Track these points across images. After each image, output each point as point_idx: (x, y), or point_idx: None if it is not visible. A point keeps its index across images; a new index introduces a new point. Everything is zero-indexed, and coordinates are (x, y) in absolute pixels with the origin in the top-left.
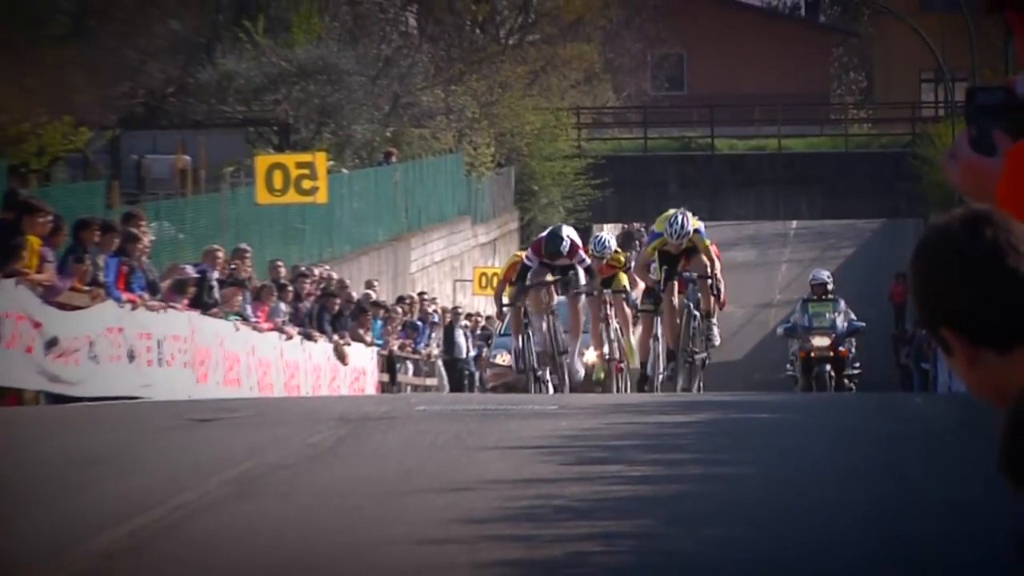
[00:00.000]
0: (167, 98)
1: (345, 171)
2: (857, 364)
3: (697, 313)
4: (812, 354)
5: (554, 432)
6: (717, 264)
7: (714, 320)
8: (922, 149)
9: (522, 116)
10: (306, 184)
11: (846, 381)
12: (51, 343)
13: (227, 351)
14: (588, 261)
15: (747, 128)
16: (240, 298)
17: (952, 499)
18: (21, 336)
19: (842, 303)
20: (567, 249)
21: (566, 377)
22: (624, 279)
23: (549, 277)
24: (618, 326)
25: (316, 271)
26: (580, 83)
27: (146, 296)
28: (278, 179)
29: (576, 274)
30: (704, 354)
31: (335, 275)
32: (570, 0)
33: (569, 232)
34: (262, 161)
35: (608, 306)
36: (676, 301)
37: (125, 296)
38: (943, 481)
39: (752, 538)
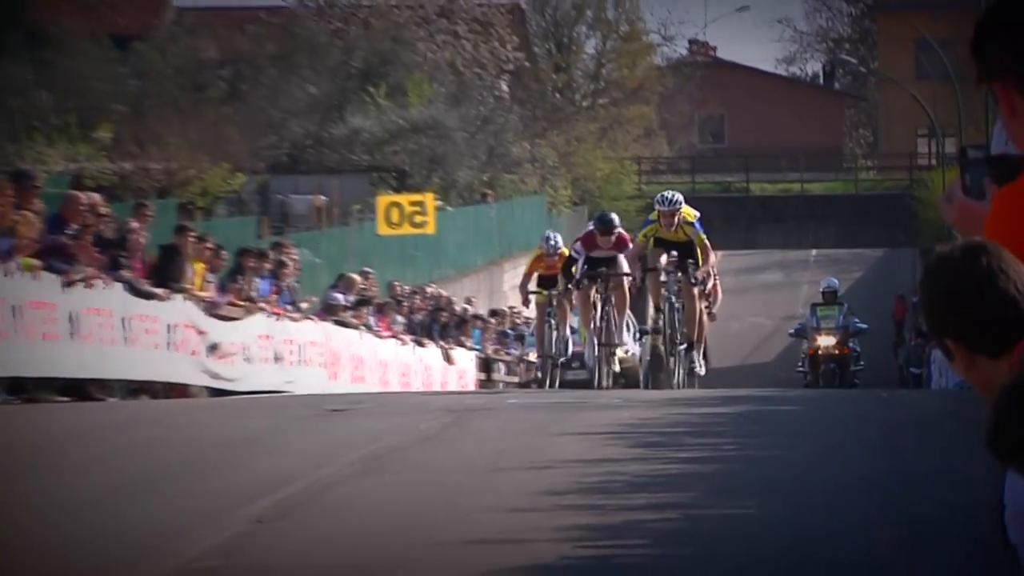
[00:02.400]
0: (307, 149)
1: (450, 208)
2: (861, 363)
3: (679, 305)
4: (819, 352)
5: (618, 421)
6: (711, 260)
7: (698, 354)
8: (918, 192)
9: (593, 164)
10: (418, 219)
11: (851, 378)
12: (213, 348)
13: (354, 354)
14: (630, 249)
15: (775, 174)
16: (365, 311)
17: (942, 475)
18: (188, 342)
19: (847, 307)
20: (618, 230)
21: (613, 366)
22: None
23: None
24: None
25: (427, 290)
26: (640, 137)
27: (290, 309)
28: (395, 215)
29: (619, 264)
30: (684, 345)
31: (442, 293)
32: (632, 71)
33: (617, 220)
34: (382, 200)
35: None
36: (661, 270)
37: (273, 310)
38: (935, 461)
39: (778, 507)
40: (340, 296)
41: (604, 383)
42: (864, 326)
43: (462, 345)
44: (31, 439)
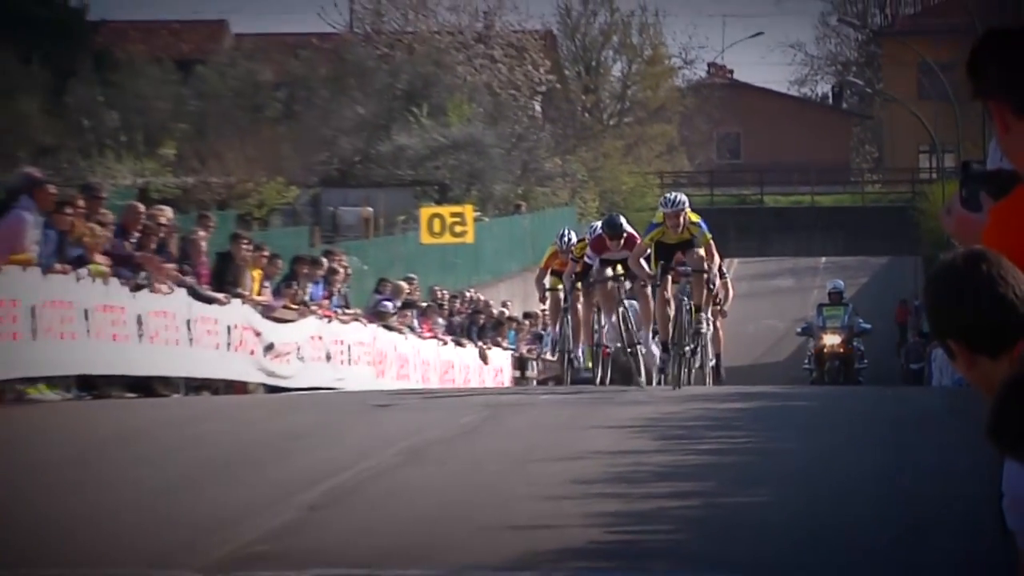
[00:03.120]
0: (355, 164)
1: (487, 219)
2: (864, 361)
3: (691, 306)
4: (825, 350)
5: (642, 415)
6: (716, 260)
7: (707, 315)
8: (920, 204)
9: (619, 178)
10: (458, 229)
11: (855, 376)
12: (268, 347)
13: (399, 354)
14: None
15: (788, 187)
16: (409, 314)
17: (944, 467)
18: (246, 342)
19: (851, 307)
20: (626, 232)
21: (642, 366)
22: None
23: (609, 271)
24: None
25: (466, 294)
26: (663, 154)
27: (339, 312)
28: (437, 225)
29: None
30: (692, 347)
31: (480, 297)
32: (655, 92)
33: (624, 222)
34: (425, 212)
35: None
36: (669, 294)
37: (324, 313)
38: (937, 453)
39: (791, 496)
40: (389, 304)
41: (602, 380)
42: (868, 326)
43: (498, 345)
44: (101, 433)
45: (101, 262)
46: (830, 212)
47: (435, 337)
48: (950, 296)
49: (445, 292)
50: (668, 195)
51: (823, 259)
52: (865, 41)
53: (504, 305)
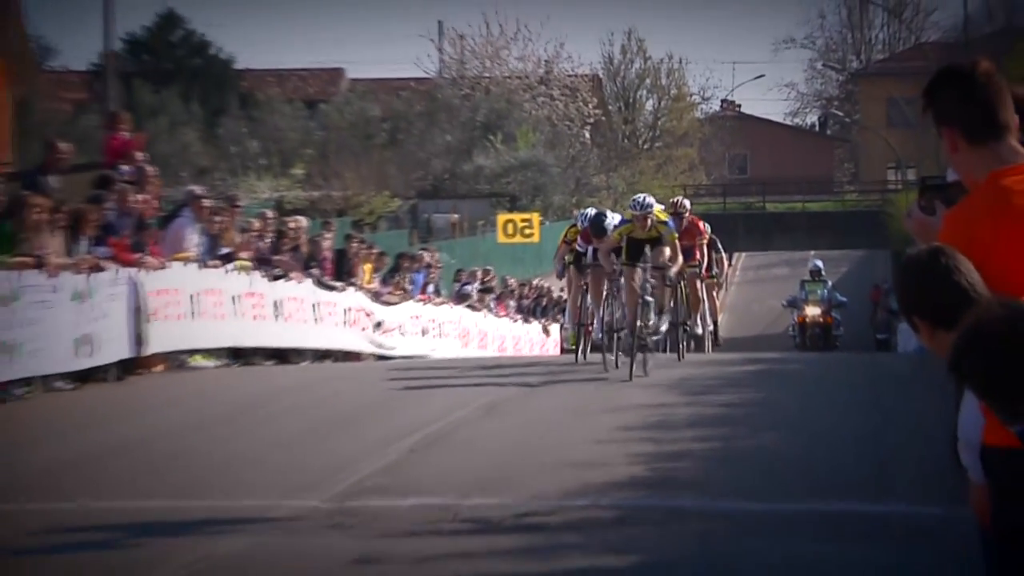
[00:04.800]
0: (445, 180)
1: (548, 223)
2: (841, 329)
3: (651, 300)
4: (807, 320)
5: (670, 377)
6: (679, 260)
7: (700, 316)
8: (888, 209)
9: (651, 190)
10: (527, 231)
11: (833, 342)
12: (377, 325)
13: (479, 329)
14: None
15: (784, 197)
16: (489, 297)
17: (910, 415)
18: (360, 321)
19: (830, 283)
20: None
21: (679, 340)
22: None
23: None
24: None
25: (532, 282)
26: (686, 171)
27: (433, 297)
28: (510, 228)
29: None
30: (656, 336)
31: (544, 284)
32: (679, 122)
33: (611, 220)
34: (501, 218)
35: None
36: (636, 284)
37: (420, 297)
38: (904, 404)
39: (789, 437)
40: (468, 287)
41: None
42: (844, 299)
43: (557, 322)
44: (246, 393)
45: (245, 259)
46: (818, 216)
47: (507, 316)
48: (916, 282)
49: (515, 281)
50: (638, 198)
51: (812, 252)
52: (844, 81)
53: (562, 291)
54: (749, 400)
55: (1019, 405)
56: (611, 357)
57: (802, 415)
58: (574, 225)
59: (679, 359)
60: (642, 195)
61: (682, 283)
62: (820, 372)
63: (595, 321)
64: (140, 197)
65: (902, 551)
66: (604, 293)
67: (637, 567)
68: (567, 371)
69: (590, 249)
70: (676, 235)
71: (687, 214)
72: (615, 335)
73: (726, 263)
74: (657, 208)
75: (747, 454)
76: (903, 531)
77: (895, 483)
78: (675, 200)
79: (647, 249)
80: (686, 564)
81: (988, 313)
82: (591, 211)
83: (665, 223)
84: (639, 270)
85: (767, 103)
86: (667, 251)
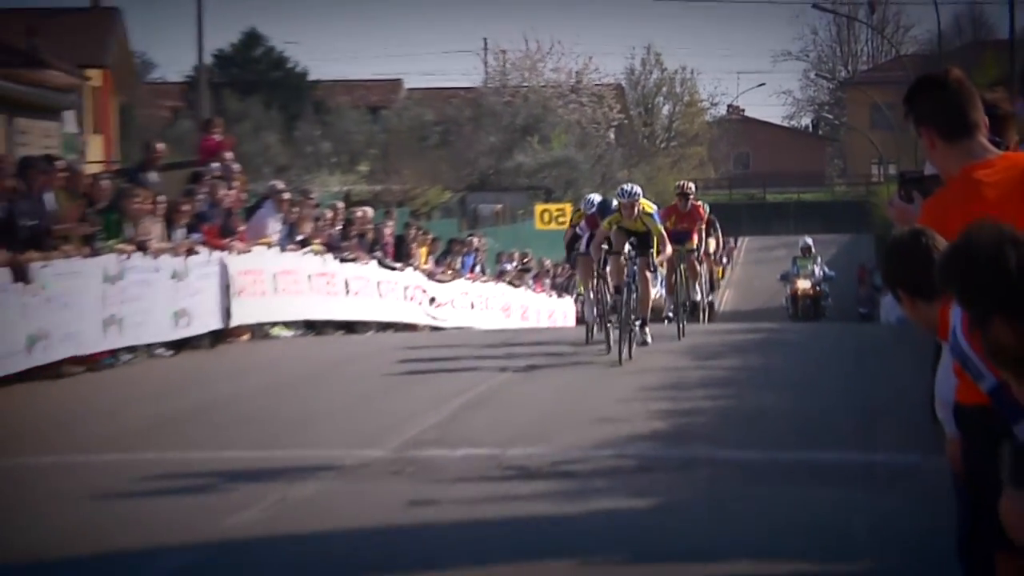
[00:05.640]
0: (489, 175)
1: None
2: (829, 300)
3: (636, 288)
4: (799, 292)
5: (684, 344)
6: (667, 248)
7: (698, 284)
8: (871, 199)
9: (667, 184)
10: (560, 219)
11: (822, 312)
12: (432, 300)
13: (520, 303)
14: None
15: (782, 188)
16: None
17: (891, 376)
18: (416, 296)
19: (819, 259)
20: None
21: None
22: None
23: (627, 246)
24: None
25: (566, 264)
26: (697, 166)
27: (480, 275)
28: (546, 216)
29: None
30: (639, 322)
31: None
32: (691, 125)
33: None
34: (538, 208)
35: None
36: (624, 271)
37: (469, 276)
38: (886, 367)
39: (788, 396)
40: (508, 266)
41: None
42: (832, 273)
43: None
44: (320, 359)
45: (318, 243)
46: (811, 205)
47: (543, 292)
48: (900, 259)
49: (550, 262)
50: (625, 187)
51: (806, 236)
52: (834, 88)
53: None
54: (751, 364)
55: (987, 319)
56: (601, 335)
57: (797, 377)
58: (579, 210)
59: (679, 337)
60: (629, 184)
61: (682, 266)
62: (812, 340)
63: (584, 306)
64: (228, 190)
65: (884, 493)
66: (596, 280)
67: (655, 508)
68: (596, 341)
69: (586, 236)
70: (661, 228)
71: (692, 196)
72: (605, 320)
73: (722, 241)
74: (644, 201)
75: (750, 411)
76: (885, 476)
77: (878, 435)
78: (681, 183)
79: (634, 241)
80: (698, 505)
81: (980, 230)
82: (596, 197)
83: (651, 215)
84: (625, 259)
85: (767, 108)
86: (655, 255)
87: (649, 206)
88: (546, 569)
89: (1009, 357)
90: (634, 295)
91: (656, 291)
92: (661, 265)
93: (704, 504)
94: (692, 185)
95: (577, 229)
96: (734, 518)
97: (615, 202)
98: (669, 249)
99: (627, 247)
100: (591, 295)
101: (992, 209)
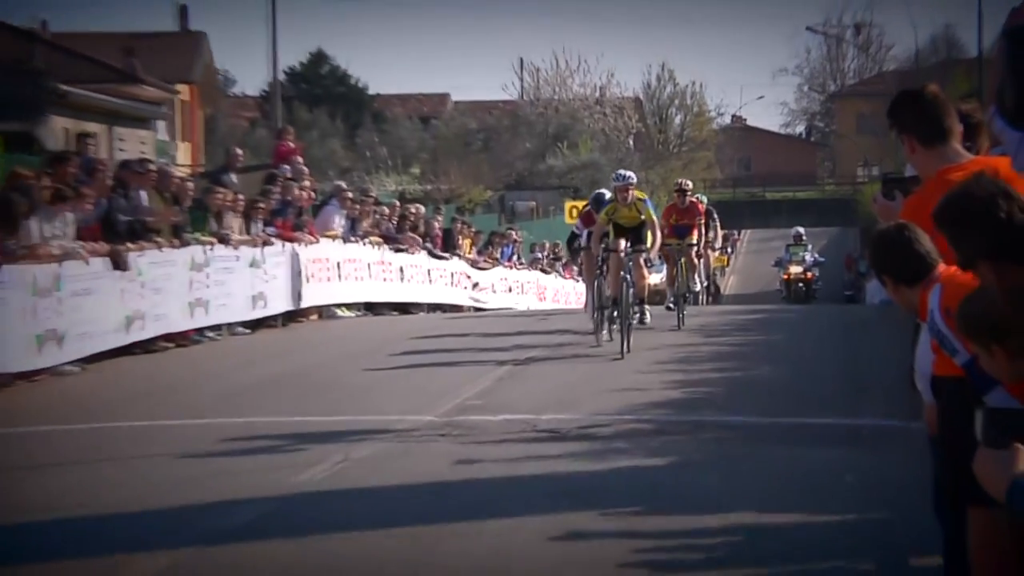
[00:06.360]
0: (525, 177)
1: None
2: (819, 283)
3: (632, 284)
4: (791, 277)
5: (693, 324)
6: (658, 240)
7: (696, 274)
8: (858, 197)
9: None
10: None
11: (813, 295)
12: (475, 285)
13: (552, 287)
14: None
15: (779, 187)
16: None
17: (876, 350)
18: (461, 282)
19: (811, 246)
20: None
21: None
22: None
23: (623, 243)
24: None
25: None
26: (705, 168)
27: (516, 263)
28: (574, 212)
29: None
30: (639, 317)
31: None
32: (700, 132)
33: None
34: (568, 204)
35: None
36: (622, 266)
37: (507, 264)
38: (872, 343)
39: (784, 368)
40: (540, 254)
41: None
42: (823, 259)
43: None
44: (378, 336)
45: (376, 236)
46: (804, 201)
47: (571, 278)
48: (886, 250)
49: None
50: (619, 172)
51: (800, 228)
52: (825, 100)
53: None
54: (753, 341)
55: (973, 262)
56: (604, 333)
57: (794, 352)
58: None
59: (679, 327)
60: (623, 170)
61: (682, 259)
62: (806, 319)
63: (587, 300)
64: (299, 190)
65: (870, 454)
66: (595, 273)
67: (670, 466)
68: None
69: (585, 232)
70: (654, 214)
71: (689, 192)
72: (604, 313)
73: (719, 232)
74: (637, 191)
75: (752, 381)
76: (870, 438)
77: (864, 402)
78: (679, 181)
79: (630, 237)
80: (708, 464)
81: (978, 181)
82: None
83: (644, 200)
84: (622, 255)
85: (766, 117)
86: (643, 259)
87: (642, 193)
88: (574, 519)
89: (983, 328)
90: (631, 290)
91: (659, 276)
92: (657, 258)
93: (712, 462)
94: (689, 183)
95: (574, 229)
96: (739, 474)
97: (607, 194)
98: (659, 237)
99: (623, 243)
100: (592, 293)
101: None
